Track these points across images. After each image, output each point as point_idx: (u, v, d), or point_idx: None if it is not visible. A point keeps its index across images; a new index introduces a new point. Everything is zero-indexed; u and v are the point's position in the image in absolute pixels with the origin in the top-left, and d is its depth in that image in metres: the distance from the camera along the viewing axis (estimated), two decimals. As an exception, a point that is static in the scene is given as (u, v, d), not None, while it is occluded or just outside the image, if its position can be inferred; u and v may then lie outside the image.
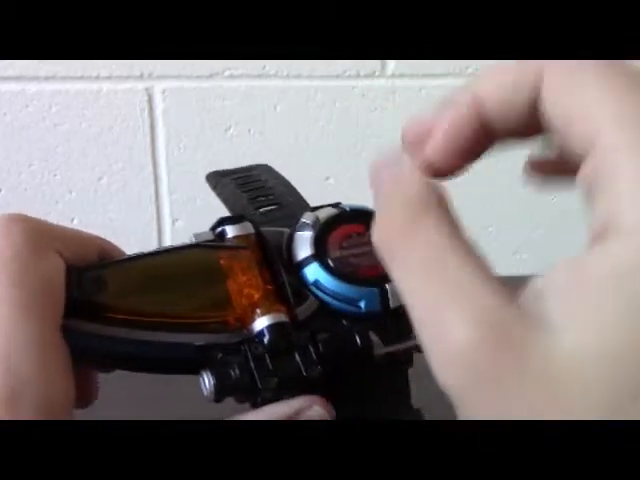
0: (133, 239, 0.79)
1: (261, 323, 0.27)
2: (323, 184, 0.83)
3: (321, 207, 0.31)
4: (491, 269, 0.18)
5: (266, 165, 0.37)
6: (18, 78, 0.77)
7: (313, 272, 0.29)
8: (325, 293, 0.28)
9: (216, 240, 0.29)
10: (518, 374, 0.15)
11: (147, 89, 0.79)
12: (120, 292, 0.27)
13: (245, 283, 0.28)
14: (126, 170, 0.81)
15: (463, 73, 0.82)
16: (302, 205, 0.33)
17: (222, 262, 0.28)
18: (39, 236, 0.26)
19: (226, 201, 0.34)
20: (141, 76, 0.78)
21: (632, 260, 0.15)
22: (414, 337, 0.18)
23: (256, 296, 0.28)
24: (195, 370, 0.27)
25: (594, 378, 0.14)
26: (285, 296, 0.28)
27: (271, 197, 0.34)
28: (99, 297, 0.27)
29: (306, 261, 0.29)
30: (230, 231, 0.29)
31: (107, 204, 0.81)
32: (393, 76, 0.81)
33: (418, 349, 0.22)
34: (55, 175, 0.80)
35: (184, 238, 0.29)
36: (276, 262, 0.29)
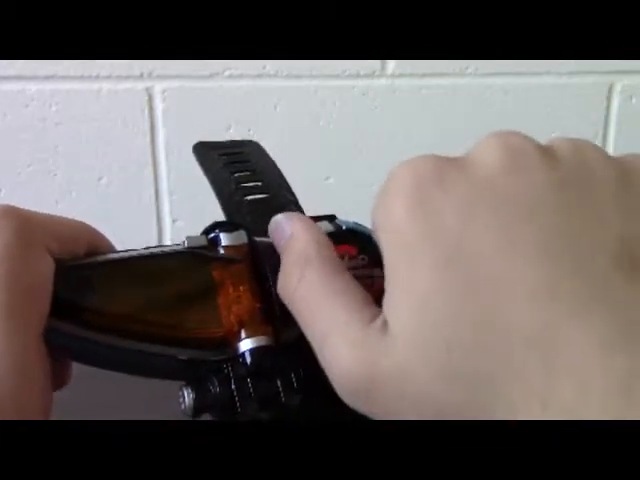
0: (133, 239, 0.79)
1: (246, 345, 0.27)
2: (323, 184, 0.83)
3: (317, 218, 0.30)
4: (361, 295, 0.24)
5: (256, 143, 0.36)
6: (18, 78, 0.77)
7: None
8: None
9: (209, 247, 0.28)
10: (375, 367, 0.22)
11: (147, 89, 0.79)
12: (107, 296, 0.26)
13: (234, 300, 0.27)
14: (126, 170, 0.81)
15: (463, 73, 0.82)
16: (289, 198, 0.33)
17: (214, 275, 0.28)
18: (30, 234, 0.26)
19: (213, 181, 0.33)
20: (141, 76, 0.78)
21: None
22: None
23: (244, 315, 0.27)
24: (178, 380, 0.27)
25: (421, 354, 0.21)
26: (273, 316, 0.28)
27: (260, 184, 0.33)
28: (85, 300, 0.26)
29: None
30: (224, 239, 0.29)
31: (107, 204, 0.81)
32: (393, 76, 0.81)
33: None
34: (55, 175, 0.80)
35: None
36: (267, 279, 0.28)
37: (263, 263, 0.28)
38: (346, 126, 0.82)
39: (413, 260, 0.22)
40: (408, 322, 0.22)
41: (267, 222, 0.30)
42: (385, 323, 0.22)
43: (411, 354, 0.21)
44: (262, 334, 0.27)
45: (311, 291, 0.25)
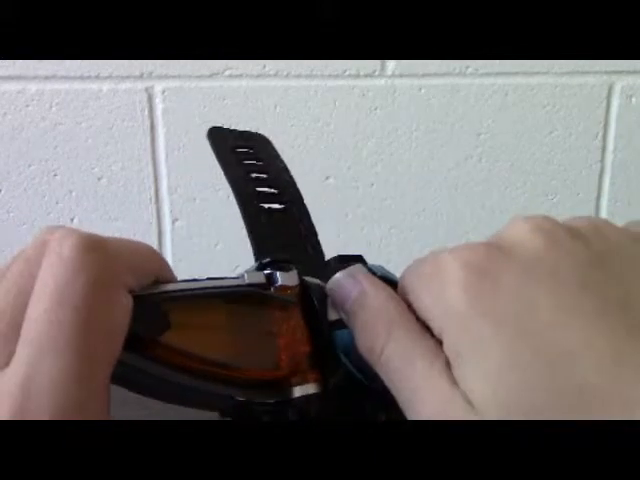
0: (133, 239, 0.79)
1: (297, 391, 0.27)
2: (323, 184, 0.83)
3: (347, 258, 0.31)
4: (443, 355, 0.25)
5: (266, 139, 0.37)
6: (18, 78, 0.77)
7: (343, 338, 0.29)
8: (350, 362, 0.29)
9: (267, 285, 0.29)
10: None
11: (147, 89, 0.79)
12: (176, 333, 0.26)
13: (292, 345, 0.28)
14: (126, 170, 0.81)
15: (463, 73, 0.82)
16: (302, 210, 0.34)
17: (275, 316, 0.28)
18: (114, 272, 0.25)
19: (231, 180, 0.34)
20: (141, 76, 0.78)
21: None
22: None
23: (300, 359, 0.28)
24: (232, 417, 0.27)
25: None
26: (322, 362, 0.28)
27: (275, 191, 0.34)
28: (155, 334, 0.26)
29: (338, 323, 0.28)
30: (280, 279, 0.29)
31: (107, 204, 0.81)
32: (393, 76, 0.81)
33: None
34: (55, 175, 0.80)
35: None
36: (321, 324, 0.28)
37: (314, 307, 0.29)
38: (346, 126, 0.82)
39: (481, 342, 0.23)
40: (486, 395, 0.23)
41: (285, 233, 0.31)
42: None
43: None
44: (312, 381, 0.28)
45: (400, 349, 0.26)
